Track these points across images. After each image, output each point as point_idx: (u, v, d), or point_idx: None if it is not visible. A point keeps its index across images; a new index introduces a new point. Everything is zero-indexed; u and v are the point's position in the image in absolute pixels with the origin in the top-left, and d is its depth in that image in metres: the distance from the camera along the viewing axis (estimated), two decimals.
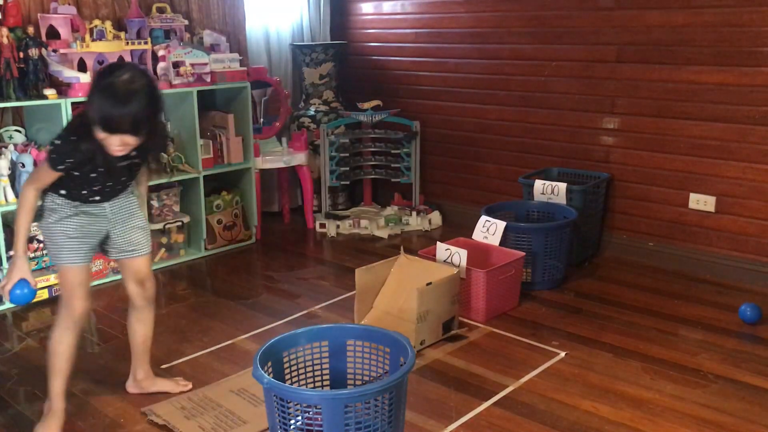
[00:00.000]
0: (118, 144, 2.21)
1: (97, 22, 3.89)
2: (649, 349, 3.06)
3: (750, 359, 2.96)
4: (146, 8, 4.30)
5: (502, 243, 3.61)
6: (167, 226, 4.19)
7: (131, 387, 2.76)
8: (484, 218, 3.73)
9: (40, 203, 2.43)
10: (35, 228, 3.67)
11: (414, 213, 4.81)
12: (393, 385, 2.01)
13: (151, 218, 4.11)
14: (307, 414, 2.04)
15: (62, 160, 2.29)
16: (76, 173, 2.35)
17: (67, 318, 2.47)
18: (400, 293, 3.25)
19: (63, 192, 2.40)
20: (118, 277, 3.97)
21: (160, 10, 4.32)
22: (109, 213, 2.51)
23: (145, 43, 4.05)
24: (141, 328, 2.69)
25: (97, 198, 2.45)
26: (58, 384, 2.47)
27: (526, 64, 4.43)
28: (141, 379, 2.75)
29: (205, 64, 4.18)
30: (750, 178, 3.69)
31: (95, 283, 3.77)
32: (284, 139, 4.80)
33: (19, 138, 3.78)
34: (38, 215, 2.45)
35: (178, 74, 4.09)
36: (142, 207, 2.69)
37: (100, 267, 3.90)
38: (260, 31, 5.02)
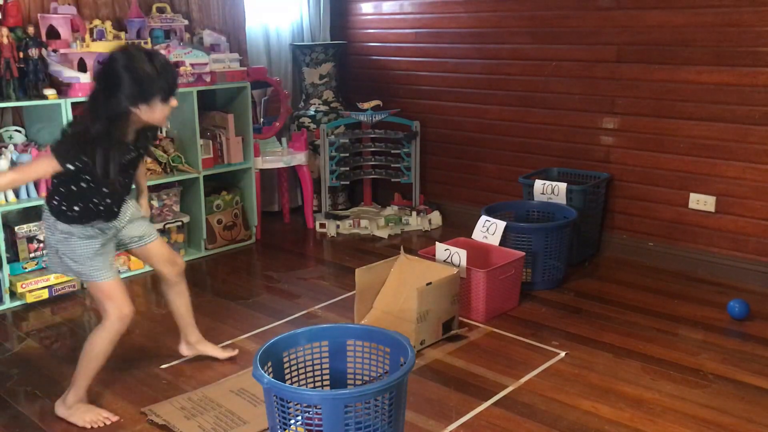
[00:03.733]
0: (170, 109, 2.38)
1: (97, 22, 3.89)
2: (649, 349, 3.06)
3: (750, 359, 2.96)
4: (146, 8, 4.30)
5: (502, 243, 3.61)
6: (167, 226, 4.19)
7: (185, 350, 3.01)
8: (484, 218, 3.73)
9: (53, 221, 2.47)
10: (35, 229, 3.68)
11: (414, 213, 4.81)
12: (393, 385, 2.01)
13: (151, 218, 4.10)
14: (307, 414, 2.04)
15: (75, 155, 2.29)
16: (87, 177, 2.37)
17: (117, 323, 2.54)
18: (400, 293, 3.25)
19: (76, 209, 2.42)
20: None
21: (160, 10, 4.32)
22: (118, 223, 2.60)
23: (145, 43, 4.05)
24: (181, 299, 2.90)
25: (106, 211, 2.49)
26: (90, 380, 2.60)
27: (526, 64, 4.43)
28: (195, 341, 2.99)
29: (205, 64, 4.19)
30: (750, 178, 3.69)
31: None
32: (284, 139, 4.80)
33: (19, 138, 3.78)
34: (54, 231, 2.48)
35: (178, 74, 4.08)
36: (142, 198, 2.83)
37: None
38: (260, 31, 5.02)
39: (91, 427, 2.54)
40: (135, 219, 2.67)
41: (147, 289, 3.92)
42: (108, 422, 2.56)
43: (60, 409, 2.59)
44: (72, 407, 2.57)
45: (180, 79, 4.04)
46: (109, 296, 2.53)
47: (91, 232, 2.48)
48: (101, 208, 2.46)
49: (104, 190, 2.43)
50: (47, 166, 2.33)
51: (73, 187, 2.40)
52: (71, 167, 2.30)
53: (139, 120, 2.35)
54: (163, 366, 2.97)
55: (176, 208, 4.27)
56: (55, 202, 2.43)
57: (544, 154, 4.43)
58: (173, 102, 2.37)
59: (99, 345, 2.54)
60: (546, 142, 4.42)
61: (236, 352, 3.03)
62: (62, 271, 2.58)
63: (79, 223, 2.45)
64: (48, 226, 2.49)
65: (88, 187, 2.40)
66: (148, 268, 4.10)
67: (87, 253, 2.48)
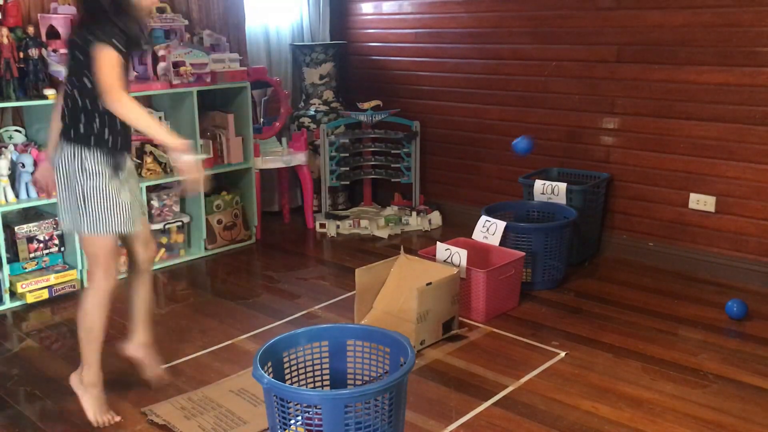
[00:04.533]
0: None
1: None
2: (649, 349, 3.06)
3: (750, 359, 2.96)
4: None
5: (502, 243, 3.61)
6: (167, 226, 4.19)
7: (131, 349, 2.77)
8: (484, 218, 3.73)
9: (75, 157, 2.39)
10: (35, 229, 3.68)
11: (414, 213, 4.81)
12: (393, 385, 2.01)
13: (151, 218, 4.11)
14: (307, 414, 2.04)
15: (121, 40, 2.28)
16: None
17: (106, 288, 2.49)
18: (400, 293, 3.25)
19: (106, 131, 2.37)
20: (118, 277, 3.97)
21: (160, 10, 4.31)
22: (129, 163, 2.53)
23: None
24: (144, 290, 2.73)
25: (123, 134, 2.45)
26: (97, 353, 2.55)
27: (526, 64, 4.43)
28: (144, 342, 2.77)
29: (205, 64, 4.19)
30: (750, 178, 3.69)
31: None
32: (284, 139, 4.80)
33: (19, 138, 3.78)
34: (74, 170, 2.40)
35: (178, 74, 4.09)
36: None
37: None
38: (260, 31, 5.02)
39: (96, 426, 2.53)
40: (131, 177, 2.57)
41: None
42: (112, 422, 2.56)
43: (74, 382, 2.59)
44: (88, 389, 2.56)
45: (180, 78, 4.08)
46: (103, 253, 2.47)
47: (113, 167, 2.42)
48: (118, 128, 2.41)
49: (116, 125, 2.41)
50: (113, 59, 2.27)
51: (95, 102, 2.36)
52: (123, 48, 2.29)
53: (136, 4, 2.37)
54: (163, 366, 2.97)
55: (176, 208, 4.27)
56: (82, 128, 2.37)
57: (544, 154, 4.43)
58: None
59: (91, 310, 2.50)
60: (546, 142, 4.42)
61: (166, 380, 2.81)
62: (75, 226, 2.45)
63: (109, 152, 2.40)
64: (68, 169, 2.39)
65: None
66: None
67: (113, 190, 2.41)
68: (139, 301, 2.74)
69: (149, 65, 4.08)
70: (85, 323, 2.52)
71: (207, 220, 4.35)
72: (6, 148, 3.61)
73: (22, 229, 3.67)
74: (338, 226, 4.75)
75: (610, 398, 2.68)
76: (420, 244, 4.39)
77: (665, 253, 4.04)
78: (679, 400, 2.66)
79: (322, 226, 4.78)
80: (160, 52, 4.09)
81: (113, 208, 2.43)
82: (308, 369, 2.33)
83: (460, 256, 3.36)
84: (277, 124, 4.89)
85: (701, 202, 3.87)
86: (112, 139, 2.41)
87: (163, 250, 4.21)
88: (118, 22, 2.29)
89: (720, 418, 2.53)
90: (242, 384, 2.79)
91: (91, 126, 2.39)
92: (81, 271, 3.78)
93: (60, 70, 3.67)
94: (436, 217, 4.87)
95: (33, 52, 3.57)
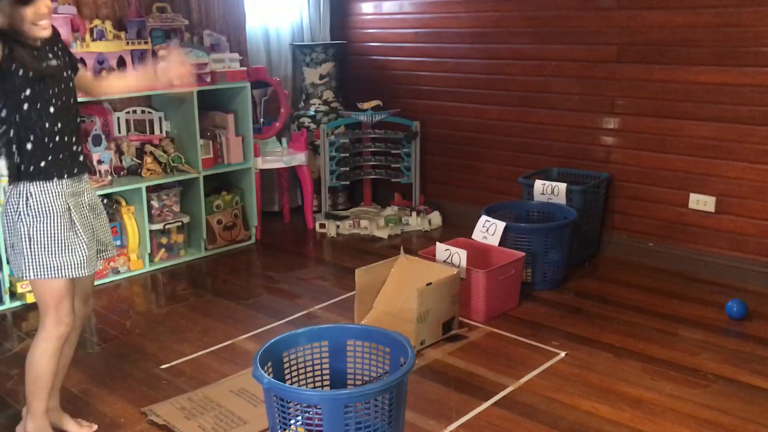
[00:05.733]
0: (45, 8, 2.07)
1: (97, 22, 3.89)
2: (649, 349, 3.06)
3: (750, 359, 2.96)
4: (146, 8, 4.30)
5: (502, 243, 3.61)
6: (167, 227, 4.19)
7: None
8: (484, 218, 3.73)
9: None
10: None
11: (414, 213, 4.81)
12: (393, 385, 2.01)
13: (151, 218, 4.11)
14: (307, 414, 2.04)
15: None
16: (27, 93, 2.11)
17: (57, 336, 2.26)
18: (400, 293, 3.25)
19: (37, 154, 2.15)
20: (118, 277, 3.99)
21: (160, 10, 4.32)
22: (84, 186, 2.31)
23: (145, 43, 4.05)
24: (69, 350, 2.45)
25: (65, 148, 2.22)
26: (44, 402, 2.34)
27: (526, 64, 4.43)
28: (52, 408, 2.45)
29: (205, 64, 4.19)
30: (750, 178, 3.69)
31: (96, 282, 3.77)
32: (284, 139, 4.80)
33: None
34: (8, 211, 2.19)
35: None
36: (133, 75, 2.36)
37: (100, 267, 3.89)
38: (260, 31, 5.02)
39: None
40: (93, 211, 2.34)
41: (147, 289, 3.92)
42: None
43: None
44: None
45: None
46: (58, 302, 2.23)
47: (61, 197, 2.20)
48: (57, 140, 2.19)
49: (50, 109, 2.17)
50: None
51: (17, 116, 2.13)
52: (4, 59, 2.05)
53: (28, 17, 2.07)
54: (163, 366, 2.97)
55: (176, 208, 4.27)
56: (16, 159, 2.16)
57: (544, 154, 4.43)
58: (40, 4, 2.06)
59: (38, 361, 2.28)
60: (546, 142, 4.42)
61: (94, 427, 2.55)
62: (20, 270, 2.22)
63: (46, 178, 2.17)
64: (12, 210, 2.19)
65: (31, 108, 2.13)
66: (148, 268, 4.11)
67: (62, 228, 2.19)
68: (62, 361, 2.39)
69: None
70: (32, 372, 2.29)
71: (207, 220, 4.35)
72: None
73: None
74: (338, 227, 4.75)
75: (610, 398, 2.68)
76: (420, 245, 4.39)
77: (665, 253, 4.04)
78: (679, 400, 2.66)
79: (322, 226, 4.78)
80: (160, 52, 4.09)
81: (62, 249, 2.20)
82: (308, 369, 2.33)
83: (459, 256, 3.36)
84: (277, 124, 4.89)
85: (701, 202, 3.87)
86: (55, 166, 2.20)
87: (163, 250, 4.21)
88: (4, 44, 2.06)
89: (720, 418, 2.53)
90: (242, 384, 2.79)
91: (27, 157, 2.17)
92: None
93: None
94: (436, 218, 4.87)
95: None
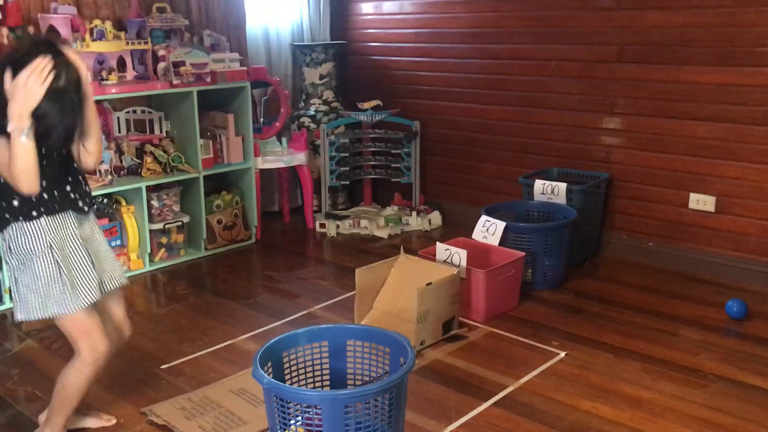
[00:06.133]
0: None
1: (97, 22, 3.89)
2: (649, 349, 3.06)
3: (750, 359, 2.96)
4: (146, 8, 4.30)
5: (502, 243, 3.61)
6: (167, 226, 4.19)
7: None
8: (484, 218, 3.73)
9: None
10: None
11: (414, 213, 4.81)
12: (393, 385, 2.01)
13: (151, 218, 4.11)
14: (307, 414, 2.04)
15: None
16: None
17: (91, 364, 2.29)
18: (400, 293, 3.25)
19: (14, 201, 2.10)
20: None
21: (160, 10, 4.32)
22: (86, 232, 2.27)
23: (145, 43, 4.05)
24: (92, 379, 2.39)
25: (54, 186, 2.15)
26: (64, 418, 2.38)
27: (526, 64, 4.43)
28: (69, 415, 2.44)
29: (205, 64, 4.19)
30: (750, 178, 3.69)
31: None
32: (284, 139, 4.80)
33: None
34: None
35: (178, 74, 4.09)
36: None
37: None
38: (260, 31, 5.02)
39: None
40: (89, 242, 2.29)
41: (147, 289, 3.92)
42: None
43: (41, 420, 2.43)
44: None
45: (180, 78, 4.08)
46: (80, 329, 2.23)
47: (48, 235, 2.14)
48: (44, 184, 2.10)
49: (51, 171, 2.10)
50: None
51: None
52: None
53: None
54: (163, 366, 2.97)
55: (176, 208, 4.27)
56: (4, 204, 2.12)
57: (544, 154, 4.43)
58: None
59: (72, 385, 2.30)
60: (546, 142, 4.42)
61: (113, 420, 2.58)
62: (31, 314, 2.18)
63: (25, 219, 2.12)
64: (5, 256, 2.17)
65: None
66: (148, 268, 4.12)
67: (49, 272, 2.14)
68: (70, 388, 2.35)
69: (149, 65, 4.08)
70: (62, 391, 2.32)
71: (207, 220, 4.35)
72: None
73: None
74: (338, 226, 4.75)
75: (610, 398, 2.68)
76: (420, 244, 4.39)
77: (665, 253, 4.04)
78: (679, 400, 2.66)
79: (322, 226, 4.78)
80: (160, 52, 4.10)
81: (48, 288, 2.16)
82: (308, 369, 2.32)
83: (460, 256, 3.36)
84: (277, 124, 4.89)
85: (701, 202, 3.87)
86: (44, 204, 2.13)
87: (163, 250, 4.21)
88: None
89: (720, 418, 2.53)
90: (242, 384, 2.79)
91: (7, 200, 2.12)
92: None
93: None
94: (436, 217, 4.87)
95: None
